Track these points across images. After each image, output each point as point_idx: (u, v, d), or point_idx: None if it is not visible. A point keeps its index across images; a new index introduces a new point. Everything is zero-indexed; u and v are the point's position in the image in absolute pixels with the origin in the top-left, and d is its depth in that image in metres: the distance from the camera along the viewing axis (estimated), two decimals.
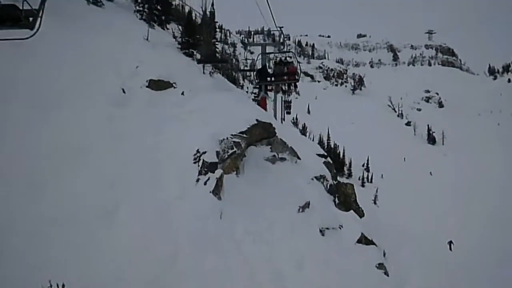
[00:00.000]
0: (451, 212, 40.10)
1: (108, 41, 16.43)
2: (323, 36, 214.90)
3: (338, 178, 21.26)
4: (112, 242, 8.54)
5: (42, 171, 9.23)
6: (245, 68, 55.56)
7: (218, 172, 11.04)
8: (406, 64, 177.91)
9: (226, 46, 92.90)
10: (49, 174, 9.25)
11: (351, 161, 61.60)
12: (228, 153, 11.73)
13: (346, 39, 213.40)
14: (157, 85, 14.94)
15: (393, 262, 14.89)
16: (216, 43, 30.75)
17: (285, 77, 20.58)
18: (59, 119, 11.00)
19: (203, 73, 18.46)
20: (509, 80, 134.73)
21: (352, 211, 14.77)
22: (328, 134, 65.30)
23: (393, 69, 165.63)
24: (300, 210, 12.23)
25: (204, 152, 11.34)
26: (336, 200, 15.52)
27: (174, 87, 15.25)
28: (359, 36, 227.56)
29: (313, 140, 60.78)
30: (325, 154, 19.22)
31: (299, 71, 20.45)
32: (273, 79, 20.98)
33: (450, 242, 31.97)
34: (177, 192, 10.23)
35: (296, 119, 78.30)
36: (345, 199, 16.48)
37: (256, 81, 21.37)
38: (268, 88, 21.95)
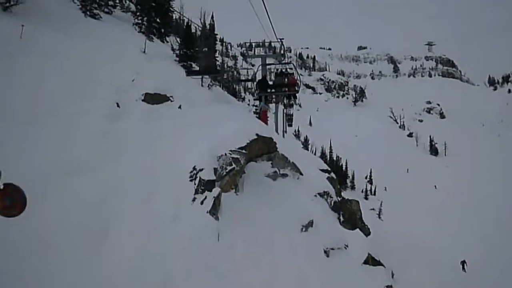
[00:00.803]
0: (457, 226, 38.97)
1: (104, 53, 16.02)
2: (324, 48, 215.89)
3: (341, 191, 20.55)
4: (101, 266, 7.93)
5: (31, 191, 8.69)
6: (244, 79, 55.27)
7: (216, 190, 10.40)
8: (406, 76, 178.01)
9: (226, 59, 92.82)
10: (37, 194, 8.69)
11: (354, 173, 60.81)
12: (227, 170, 11.11)
13: (347, 51, 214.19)
14: (153, 98, 14.46)
15: (402, 284, 14.16)
16: (216, 55, 30.41)
17: (285, 88, 20.09)
18: (52, 135, 10.54)
19: (202, 85, 17.97)
20: (509, 91, 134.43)
21: (358, 229, 14.07)
22: (330, 147, 64.64)
23: (394, 81, 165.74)
24: (303, 229, 11.56)
25: (201, 169, 10.73)
26: (341, 217, 14.82)
27: (171, 101, 14.74)
28: (360, 48, 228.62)
29: (315, 153, 60.23)
30: (329, 169, 18.55)
31: (299, 82, 19.92)
32: (273, 90, 20.51)
33: (463, 262, 29.20)
34: (172, 212, 9.60)
35: (298, 131, 77.79)
36: (350, 216, 15.73)
37: (257, 92, 20.89)
38: (269, 98, 21.49)
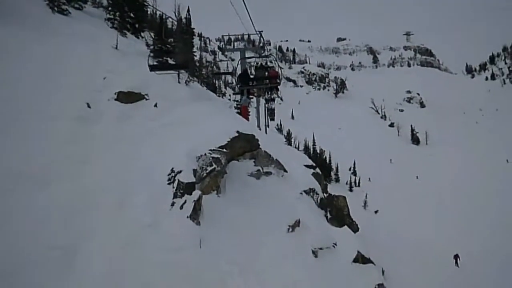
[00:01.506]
0: (444, 215, 38.72)
1: (73, 51, 15.12)
2: (303, 41, 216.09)
3: (327, 186, 20.06)
4: (71, 285, 7.23)
5: None
6: (220, 72, 54.20)
7: (196, 193, 9.75)
8: (386, 66, 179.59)
9: (205, 53, 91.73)
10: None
11: (337, 165, 60.74)
12: (207, 171, 10.46)
13: (327, 43, 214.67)
14: (127, 97, 13.68)
15: (394, 281, 13.76)
16: (194, 50, 29.61)
17: (267, 81, 19.50)
18: (13, 142, 9.71)
19: (179, 82, 17.20)
20: (486, 78, 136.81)
21: (346, 226, 13.57)
22: (314, 139, 64.41)
23: (374, 71, 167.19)
24: (290, 229, 11.01)
25: (180, 171, 10.08)
26: (328, 214, 14.35)
27: (146, 99, 13.98)
28: (339, 39, 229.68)
29: (298, 146, 59.96)
30: (314, 164, 18.06)
31: (280, 74, 19.38)
32: (255, 83, 19.89)
33: (456, 257, 27.44)
34: (148, 220, 8.92)
35: (280, 125, 77.41)
36: (337, 213, 15.25)
37: (238, 86, 20.27)
38: (251, 92, 20.90)
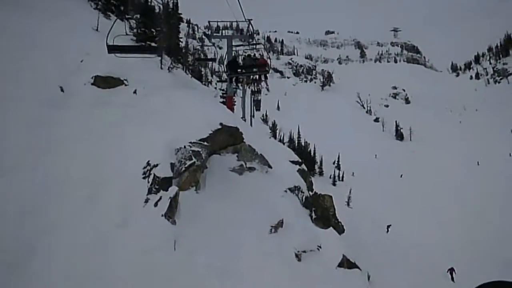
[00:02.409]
0: (429, 216, 38.27)
1: (49, 30, 14.15)
2: (292, 32, 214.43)
3: (312, 184, 19.48)
4: None
5: None
6: (202, 58, 53.03)
7: (173, 189, 9.05)
8: (373, 61, 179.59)
9: (193, 41, 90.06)
10: None
11: (322, 159, 60.36)
12: (186, 165, 9.72)
13: (315, 35, 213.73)
14: (105, 82, 12.86)
15: (380, 287, 13.29)
16: (180, 36, 28.59)
17: (255, 69, 18.83)
18: None
19: (161, 68, 16.33)
20: (471, 77, 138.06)
21: (331, 228, 12.96)
22: (299, 132, 63.86)
23: (361, 66, 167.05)
24: (273, 230, 10.39)
25: (156, 165, 9.37)
26: (313, 214, 13.74)
27: (125, 85, 13.16)
28: (327, 32, 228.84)
29: (283, 138, 59.43)
30: (299, 160, 17.44)
31: (269, 62, 18.74)
32: (243, 70, 19.17)
33: (452, 270, 24.57)
34: (119, 218, 8.21)
35: (266, 116, 76.67)
36: (322, 213, 14.65)
37: (227, 73, 19.52)
38: (240, 79, 20.18)
